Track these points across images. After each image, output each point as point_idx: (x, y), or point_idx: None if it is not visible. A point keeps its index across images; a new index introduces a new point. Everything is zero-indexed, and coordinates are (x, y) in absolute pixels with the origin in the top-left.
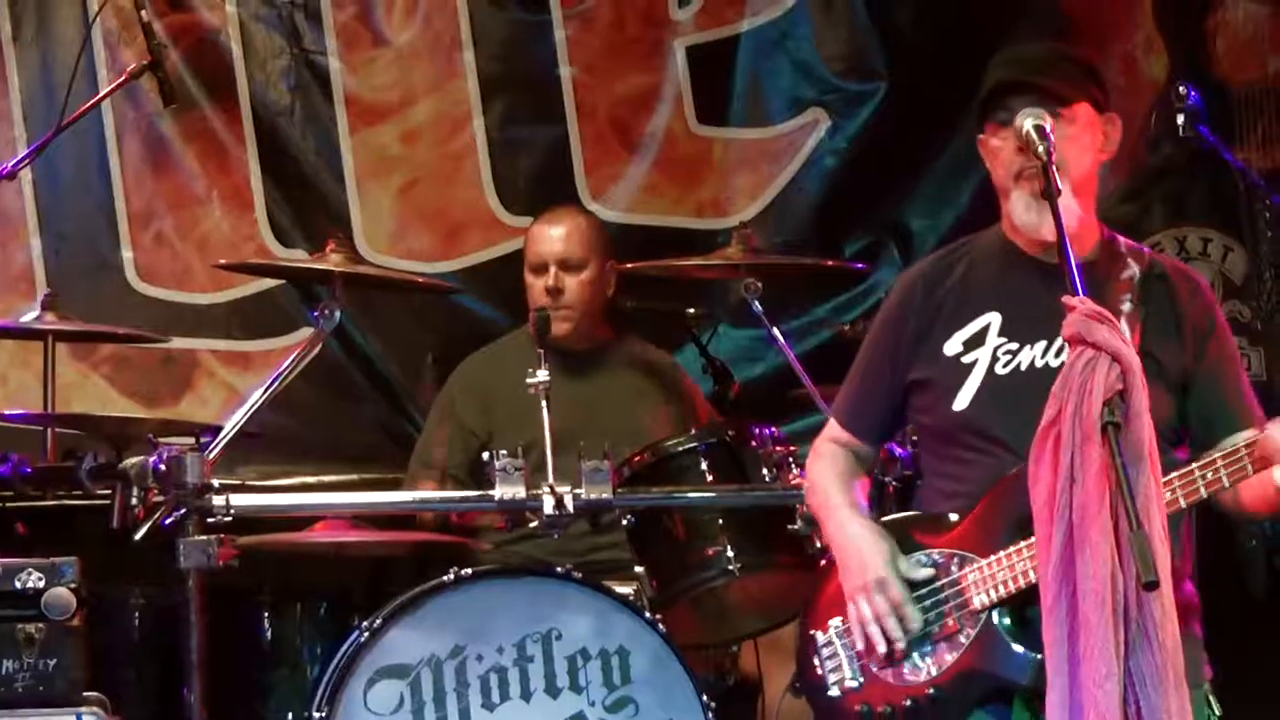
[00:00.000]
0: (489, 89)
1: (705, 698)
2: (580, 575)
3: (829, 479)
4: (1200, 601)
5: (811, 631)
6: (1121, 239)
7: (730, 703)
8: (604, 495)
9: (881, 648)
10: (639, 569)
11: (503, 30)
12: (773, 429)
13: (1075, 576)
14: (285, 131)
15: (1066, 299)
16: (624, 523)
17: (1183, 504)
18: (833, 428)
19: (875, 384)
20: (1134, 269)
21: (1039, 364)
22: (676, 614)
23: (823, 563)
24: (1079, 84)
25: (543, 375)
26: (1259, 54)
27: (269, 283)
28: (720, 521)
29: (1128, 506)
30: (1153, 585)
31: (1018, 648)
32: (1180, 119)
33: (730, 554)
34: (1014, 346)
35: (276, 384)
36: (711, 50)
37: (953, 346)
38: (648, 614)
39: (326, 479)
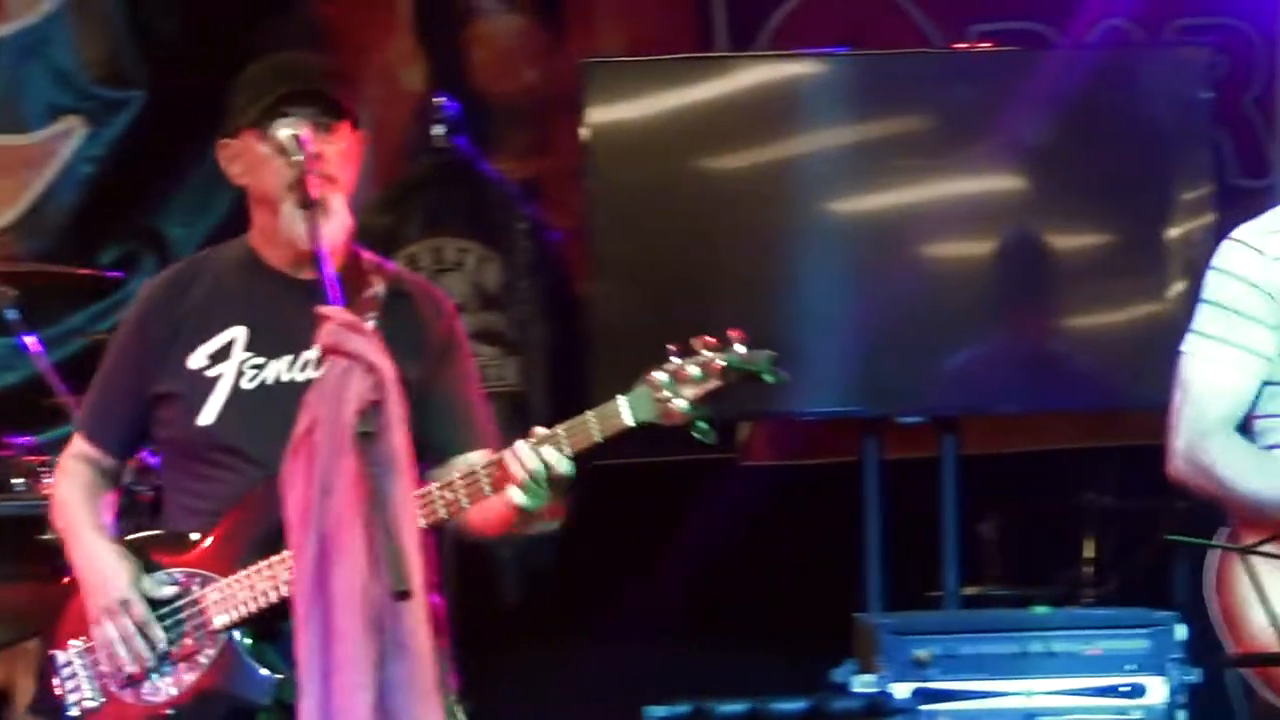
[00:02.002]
0: None
1: None
2: None
3: (74, 499)
4: (449, 612)
5: (52, 651)
6: (365, 254)
7: None
8: None
9: (131, 668)
10: None
11: None
12: (25, 438)
13: (329, 587)
14: None
15: (321, 309)
16: None
17: (422, 523)
18: (78, 442)
19: (117, 396)
20: (378, 285)
21: (285, 379)
22: None
23: (65, 581)
24: (349, 98)
25: None
26: (516, 65)
27: None
28: None
29: (381, 517)
30: (405, 595)
31: (258, 667)
32: (438, 129)
33: None
34: (260, 361)
35: None
36: None
37: (196, 360)
38: None
39: None
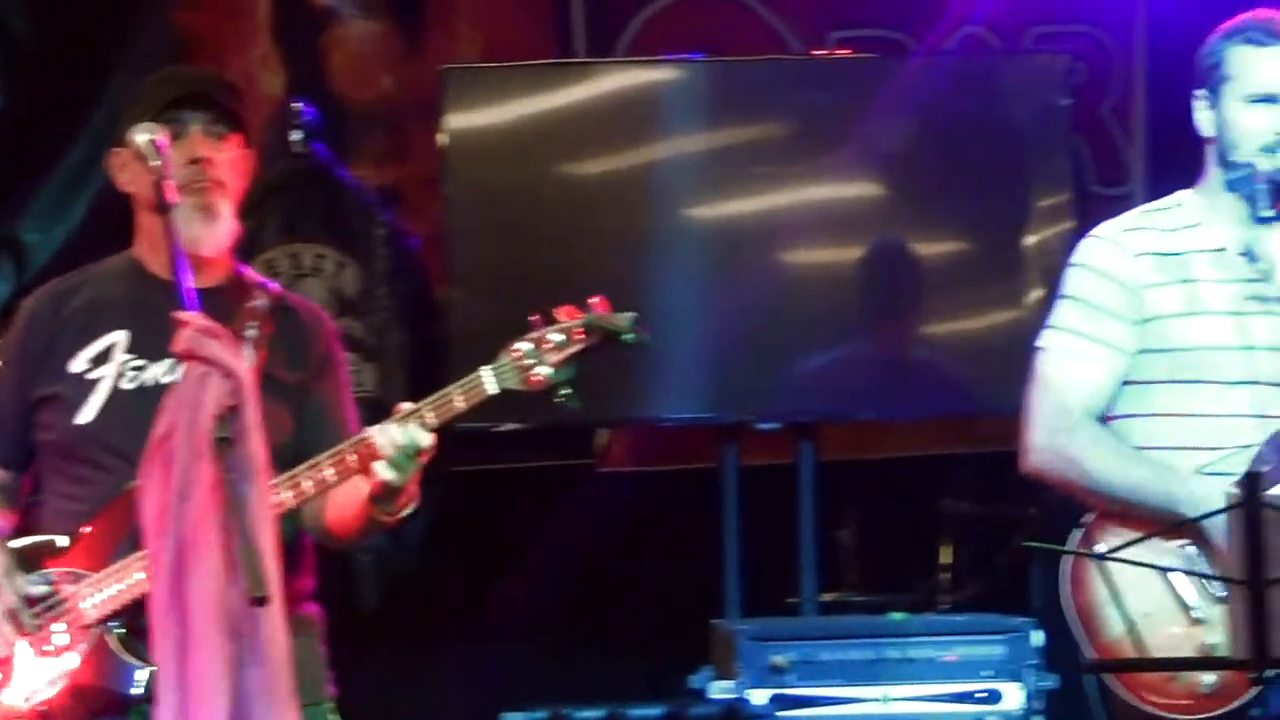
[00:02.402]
0: None
1: None
2: None
3: None
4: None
5: None
6: (249, 271)
7: None
8: None
9: (1, 651)
10: None
11: None
12: None
13: (186, 593)
14: None
15: (179, 315)
16: None
17: (292, 504)
18: None
19: (4, 412)
20: (261, 299)
21: (164, 381)
22: None
23: None
24: (240, 111)
25: None
26: (374, 71)
27: None
28: None
29: (240, 522)
30: (263, 601)
31: (130, 661)
32: (296, 135)
33: None
34: (140, 363)
35: None
36: None
37: (78, 364)
38: None
39: None
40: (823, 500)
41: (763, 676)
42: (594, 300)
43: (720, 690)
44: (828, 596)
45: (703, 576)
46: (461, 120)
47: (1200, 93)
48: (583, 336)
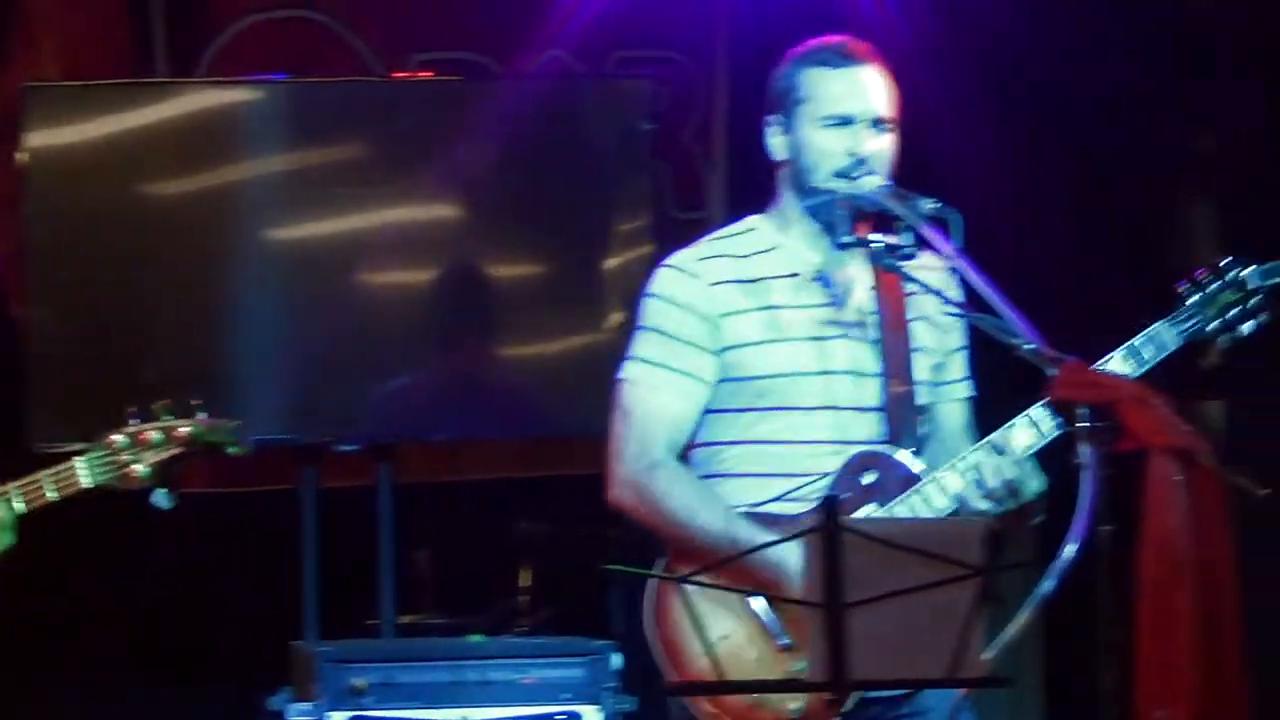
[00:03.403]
0: None
1: None
2: None
3: None
4: None
5: None
6: None
7: None
8: None
9: None
10: None
11: None
12: None
13: None
14: None
15: None
16: None
17: None
18: None
19: None
20: None
21: None
22: None
23: None
24: None
25: None
26: None
27: None
28: None
29: None
30: None
31: None
32: None
33: None
34: None
35: None
36: None
37: None
38: None
39: None
40: (401, 522)
41: (342, 698)
42: (196, 402)
43: (299, 712)
44: (406, 618)
45: (282, 598)
46: (42, 138)
47: (773, 118)
48: (182, 440)
